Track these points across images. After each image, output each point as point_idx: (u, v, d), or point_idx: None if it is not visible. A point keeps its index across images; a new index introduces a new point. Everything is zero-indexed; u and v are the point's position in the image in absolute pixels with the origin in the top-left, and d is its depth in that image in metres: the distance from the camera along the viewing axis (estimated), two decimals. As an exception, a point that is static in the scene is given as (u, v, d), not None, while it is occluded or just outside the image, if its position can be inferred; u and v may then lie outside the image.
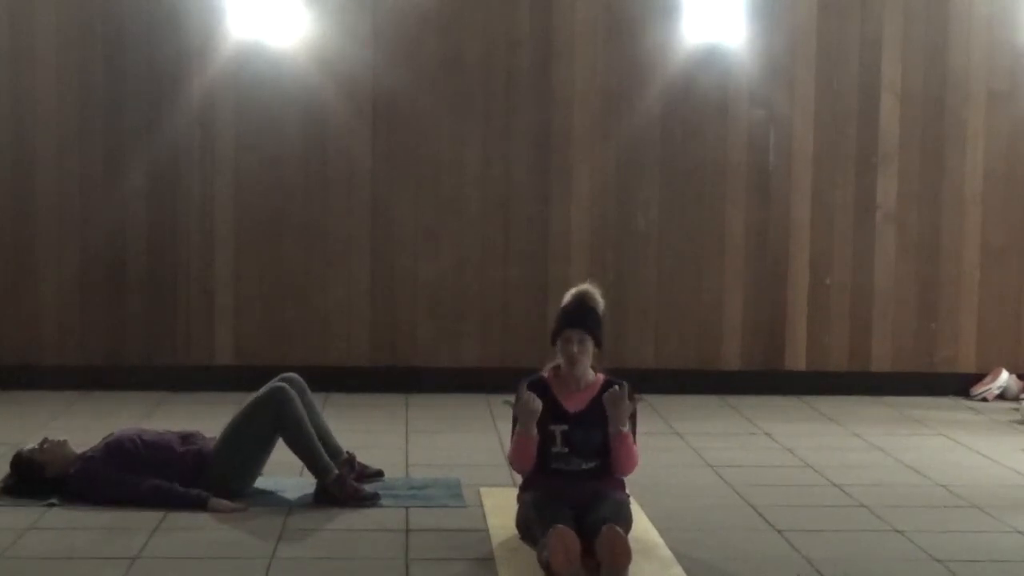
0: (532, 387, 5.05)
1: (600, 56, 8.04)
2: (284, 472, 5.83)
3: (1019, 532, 5.25)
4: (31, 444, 5.61)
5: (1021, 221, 8.30)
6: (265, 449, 5.60)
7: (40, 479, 5.45)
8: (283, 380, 5.68)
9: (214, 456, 5.50)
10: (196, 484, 5.41)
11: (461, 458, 6.36)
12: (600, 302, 5.15)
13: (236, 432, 5.54)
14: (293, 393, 5.55)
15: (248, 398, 5.69)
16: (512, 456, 5.03)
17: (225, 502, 5.36)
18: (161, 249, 7.94)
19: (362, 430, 6.84)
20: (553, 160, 8.06)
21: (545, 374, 5.17)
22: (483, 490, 5.65)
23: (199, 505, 5.33)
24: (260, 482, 5.69)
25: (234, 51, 7.85)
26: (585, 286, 5.16)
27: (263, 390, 5.63)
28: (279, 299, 8.00)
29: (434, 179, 8.04)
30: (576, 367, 5.09)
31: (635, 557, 4.77)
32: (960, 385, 8.27)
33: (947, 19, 8.17)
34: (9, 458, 5.63)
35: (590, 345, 5.10)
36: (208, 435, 5.69)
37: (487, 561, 4.78)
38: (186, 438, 5.63)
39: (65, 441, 5.57)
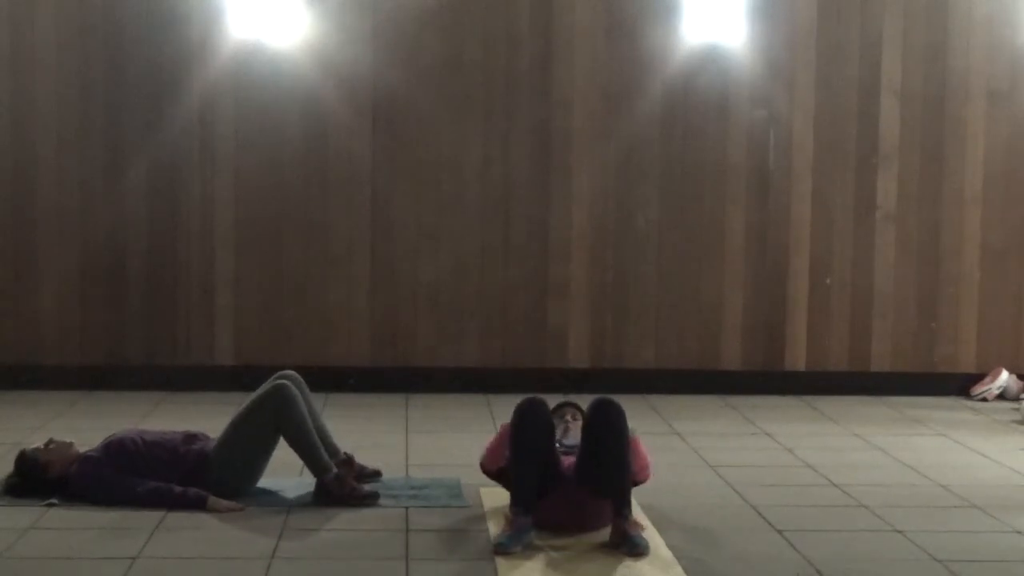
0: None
1: (600, 56, 8.04)
2: (284, 472, 5.82)
3: (1019, 532, 5.25)
4: (37, 443, 5.60)
5: (1021, 221, 8.30)
6: (267, 448, 5.59)
7: (43, 479, 5.45)
8: (283, 378, 5.68)
9: (215, 456, 5.50)
10: (197, 484, 5.41)
11: (461, 458, 6.34)
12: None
13: (237, 431, 5.53)
14: (295, 391, 5.55)
15: (248, 397, 5.69)
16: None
17: (223, 502, 5.36)
18: (161, 249, 7.94)
19: (362, 430, 6.84)
20: (553, 160, 8.06)
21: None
22: (483, 490, 5.65)
23: (197, 505, 5.33)
24: (260, 482, 5.69)
25: (234, 51, 7.86)
26: None
27: (264, 388, 5.63)
28: (279, 299, 8.00)
29: (434, 179, 8.04)
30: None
31: (634, 557, 4.78)
32: (960, 385, 8.27)
33: (947, 19, 8.17)
34: (9, 458, 5.63)
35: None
36: (212, 435, 5.68)
37: (487, 561, 4.78)
38: (190, 438, 5.62)
39: (71, 443, 5.56)
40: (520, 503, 4.99)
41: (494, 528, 5.12)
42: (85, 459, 5.46)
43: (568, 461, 5.17)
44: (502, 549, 4.83)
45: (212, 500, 5.35)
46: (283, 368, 6.01)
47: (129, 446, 5.49)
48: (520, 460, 5.08)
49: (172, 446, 5.54)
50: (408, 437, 6.87)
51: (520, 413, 5.11)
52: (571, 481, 5.10)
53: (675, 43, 8.04)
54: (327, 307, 8.03)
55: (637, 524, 4.98)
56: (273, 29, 7.84)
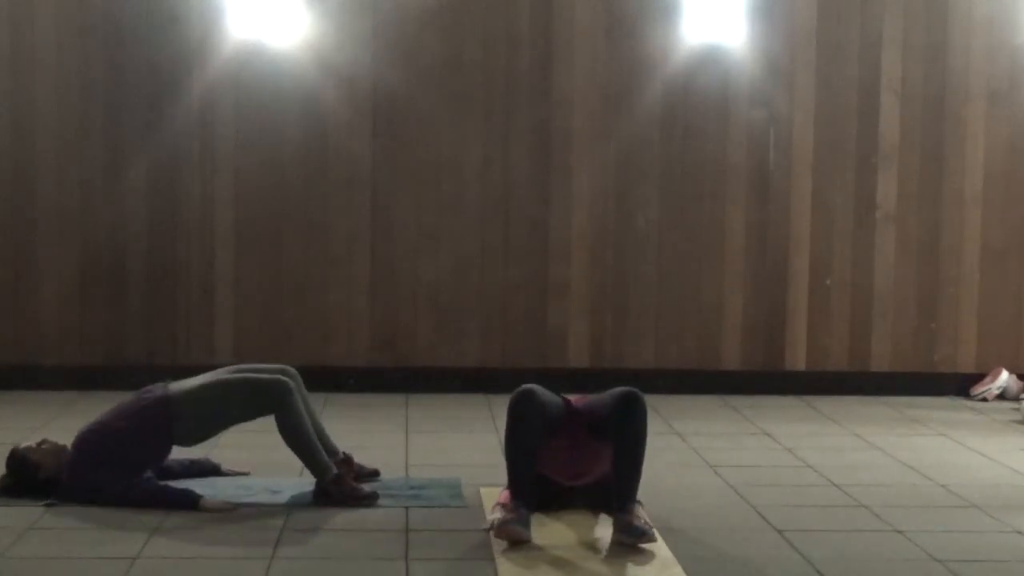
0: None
1: (600, 56, 8.04)
2: (284, 472, 5.83)
3: (1019, 532, 5.25)
4: (28, 442, 5.58)
5: (1021, 221, 8.30)
6: (233, 421, 5.62)
7: (34, 478, 5.43)
8: (283, 374, 5.68)
9: (181, 400, 5.47)
10: (159, 425, 5.42)
11: (461, 458, 6.36)
12: None
13: (215, 394, 5.51)
14: (296, 393, 5.54)
15: (242, 370, 5.69)
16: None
17: (215, 501, 5.36)
18: (161, 249, 7.94)
19: (362, 430, 6.84)
20: (553, 160, 8.06)
21: None
22: (483, 490, 5.65)
23: (189, 505, 5.32)
24: (260, 482, 5.70)
25: (234, 51, 7.86)
26: None
27: (265, 376, 5.60)
28: (279, 299, 8.01)
29: (434, 179, 8.04)
30: None
31: (634, 558, 4.79)
32: (960, 385, 8.27)
33: (947, 19, 8.17)
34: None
35: None
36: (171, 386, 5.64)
37: (487, 561, 4.78)
38: (143, 393, 5.61)
39: (65, 446, 5.54)
40: (519, 497, 5.02)
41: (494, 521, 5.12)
42: (68, 467, 5.42)
43: (576, 398, 5.32)
44: (508, 530, 4.86)
45: (204, 500, 5.34)
46: (282, 367, 5.99)
47: (93, 436, 5.45)
48: (516, 455, 5.10)
49: (127, 410, 5.51)
50: (408, 437, 6.87)
51: (511, 408, 5.14)
52: (577, 415, 5.22)
53: (675, 43, 8.04)
54: (327, 307, 8.03)
55: (640, 517, 4.99)
56: (273, 29, 7.84)
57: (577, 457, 5.29)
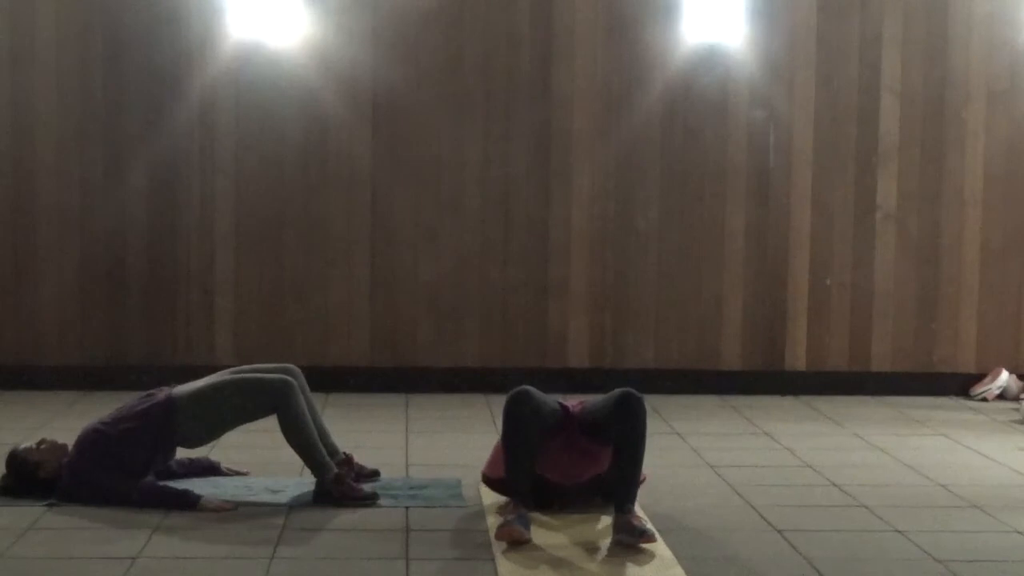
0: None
1: (600, 56, 8.04)
2: (284, 472, 5.84)
3: (1019, 532, 5.25)
4: (28, 442, 5.58)
5: (1021, 221, 8.30)
6: (236, 426, 5.62)
7: (34, 478, 5.43)
8: (286, 372, 5.68)
9: (184, 403, 5.47)
10: (164, 429, 5.41)
11: (461, 458, 6.36)
12: None
13: (222, 395, 5.51)
14: (299, 392, 5.55)
15: (244, 369, 5.69)
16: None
17: (215, 501, 5.36)
18: (161, 249, 7.94)
19: (362, 430, 6.85)
20: (553, 160, 8.06)
21: None
22: (483, 490, 5.65)
23: (189, 506, 5.32)
24: (260, 481, 5.70)
25: (234, 51, 7.86)
26: None
27: (268, 375, 5.60)
28: (279, 299, 8.01)
29: (434, 179, 8.04)
30: None
31: (635, 558, 4.79)
32: (960, 385, 8.27)
33: (947, 19, 8.17)
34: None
35: None
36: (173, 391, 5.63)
37: (487, 562, 4.78)
38: (146, 396, 5.60)
39: (65, 444, 5.54)
40: (518, 495, 5.04)
41: (494, 528, 5.11)
42: (68, 467, 5.43)
43: (574, 403, 5.34)
44: (508, 530, 4.86)
45: (204, 500, 5.34)
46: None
47: (95, 436, 5.45)
48: (515, 455, 5.12)
49: (131, 412, 5.50)
50: (408, 437, 6.87)
51: (506, 409, 5.17)
52: (574, 420, 5.25)
53: (675, 43, 8.04)
54: (327, 307, 8.03)
55: (639, 517, 4.99)
56: (273, 29, 7.84)
57: (575, 459, 5.31)
